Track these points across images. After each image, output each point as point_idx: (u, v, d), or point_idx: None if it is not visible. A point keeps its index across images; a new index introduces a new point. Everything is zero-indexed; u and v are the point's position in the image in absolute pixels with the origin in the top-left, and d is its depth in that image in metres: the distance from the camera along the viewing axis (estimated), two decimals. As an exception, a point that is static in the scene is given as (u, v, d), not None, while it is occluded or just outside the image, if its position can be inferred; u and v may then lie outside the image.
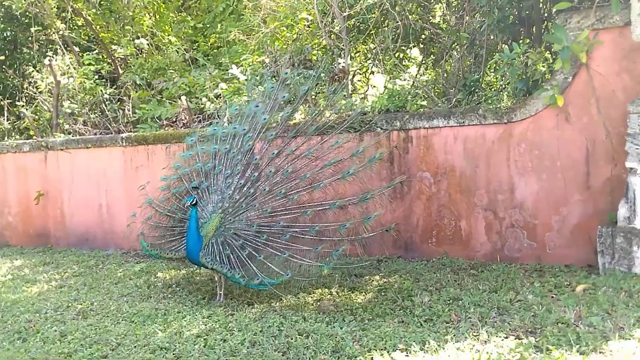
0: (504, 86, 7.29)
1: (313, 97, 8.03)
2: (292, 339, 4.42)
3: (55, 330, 5.05)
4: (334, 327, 4.60)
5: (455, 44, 8.40)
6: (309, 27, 9.60)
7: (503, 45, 7.28)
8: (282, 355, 4.15)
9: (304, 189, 5.84)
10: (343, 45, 8.47)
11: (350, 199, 5.76)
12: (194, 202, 5.50)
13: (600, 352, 3.75)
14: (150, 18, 12.37)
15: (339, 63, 8.41)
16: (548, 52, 6.85)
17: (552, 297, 5.00)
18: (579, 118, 5.96)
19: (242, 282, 5.38)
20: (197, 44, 12.40)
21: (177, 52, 11.18)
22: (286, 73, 6.56)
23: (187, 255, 5.56)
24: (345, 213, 5.77)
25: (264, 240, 5.60)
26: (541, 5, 7.13)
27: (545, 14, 7.26)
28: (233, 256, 5.54)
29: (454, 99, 7.09)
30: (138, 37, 11.51)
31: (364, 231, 5.61)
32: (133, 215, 6.42)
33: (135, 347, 4.51)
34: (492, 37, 7.56)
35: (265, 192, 5.83)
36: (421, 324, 4.56)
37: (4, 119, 11.55)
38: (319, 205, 5.74)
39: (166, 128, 9.17)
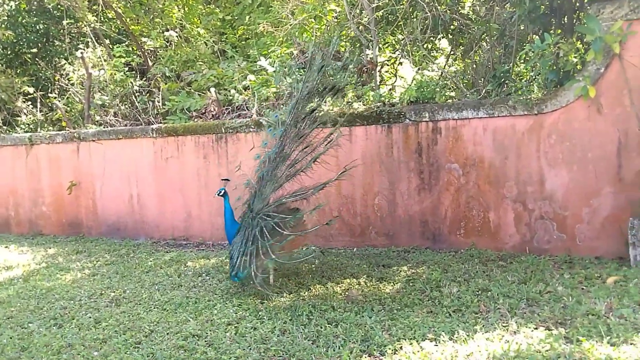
0: (534, 77, 7.21)
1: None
2: (321, 327, 4.47)
3: (90, 317, 5.19)
4: (362, 316, 4.64)
5: (485, 34, 8.34)
6: (337, 19, 9.59)
7: (534, 36, 7.21)
8: (312, 343, 4.21)
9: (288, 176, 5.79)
10: (371, 36, 8.46)
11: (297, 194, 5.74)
12: (222, 193, 5.85)
13: (631, 344, 3.74)
14: (179, 10, 12.49)
15: (367, 54, 8.41)
16: (580, 42, 6.77)
17: (583, 288, 4.98)
18: (611, 109, 5.89)
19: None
20: (225, 36, 12.48)
21: (206, 44, 11.27)
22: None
23: None
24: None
25: (258, 230, 5.52)
26: (573, -5, 7.04)
27: (577, 4, 7.15)
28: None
29: (484, 90, 7.05)
30: (167, 30, 11.63)
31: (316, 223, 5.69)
32: (238, 199, 6.16)
33: (167, 334, 4.61)
34: (522, 28, 7.47)
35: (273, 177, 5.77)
36: (450, 314, 4.58)
37: (37, 111, 11.77)
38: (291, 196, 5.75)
39: (195, 119, 9.26)
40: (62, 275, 6.88)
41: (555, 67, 6.34)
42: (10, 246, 8.94)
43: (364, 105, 7.50)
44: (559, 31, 6.86)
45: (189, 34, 11.80)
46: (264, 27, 9.87)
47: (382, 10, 8.71)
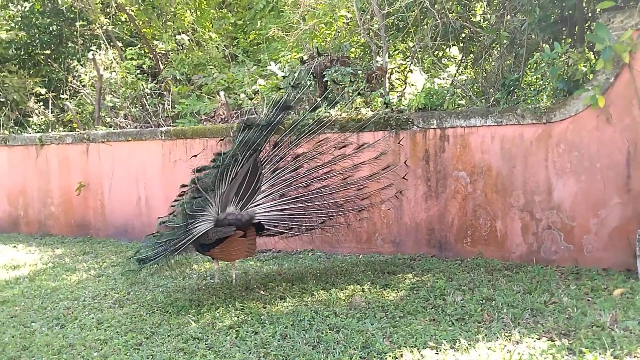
0: (543, 86, 7.18)
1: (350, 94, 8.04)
2: (322, 333, 4.44)
3: (93, 318, 5.19)
4: (364, 323, 4.61)
5: (495, 43, 8.31)
6: (348, 25, 9.61)
7: (544, 44, 7.17)
8: (312, 349, 4.18)
9: None
10: (381, 43, 8.45)
11: None
12: None
13: (635, 357, 3.68)
14: (191, 14, 12.56)
15: (377, 61, 8.40)
16: (590, 52, 6.73)
17: (588, 300, 4.92)
18: (620, 119, 5.83)
19: None
20: (236, 41, 12.54)
21: (217, 48, 11.32)
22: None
23: None
24: None
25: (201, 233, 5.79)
26: (584, 4, 7.00)
27: (589, 14, 7.13)
28: None
29: (492, 99, 7.02)
30: (179, 33, 11.71)
31: None
32: None
33: (169, 336, 4.60)
34: (533, 36, 7.44)
35: None
36: (452, 323, 4.53)
37: (48, 111, 11.85)
38: None
39: (204, 123, 9.28)
40: (68, 275, 6.91)
41: (565, 77, 6.30)
42: (18, 246, 8.99)
43: (372, 111, 7.48)
44: (570, 40, 6.81)
45: (200, 37, 11.87)
46: (274, 32, 9.91)
47: (393, 17, 8.71)
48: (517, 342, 4.06)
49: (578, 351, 3.79)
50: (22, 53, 12.98)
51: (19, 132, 11.22)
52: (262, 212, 5.88)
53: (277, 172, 5.95)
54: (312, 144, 6.09)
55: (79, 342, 4.55)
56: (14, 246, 8.96)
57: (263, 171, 5.89)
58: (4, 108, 11.71)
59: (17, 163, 10.29)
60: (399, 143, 6.96)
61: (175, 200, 5.87)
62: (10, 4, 12.99)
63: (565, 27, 7.18)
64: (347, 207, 6.21)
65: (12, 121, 11.63)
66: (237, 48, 11.92)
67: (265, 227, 5.95)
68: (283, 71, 8.85)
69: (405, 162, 6.84)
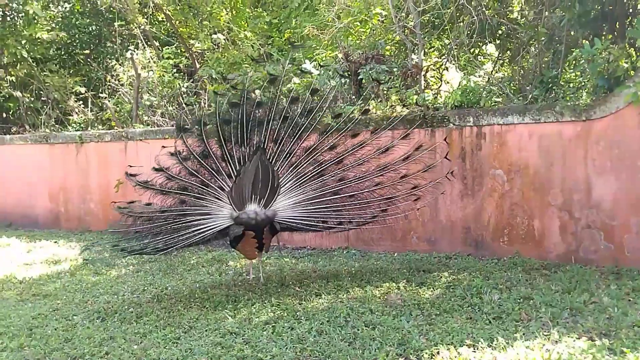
0: (583, 83, 7.06)
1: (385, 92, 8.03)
2: (358, 329, 4.45)
3: (132, 312, 5.29)
4: (400, 320, 4.60)
5: (533, 39, 8.21)
6: (383, 22, 9.57)
7: (583, 41, 7.06)
8: (349, 345, 4.19)
9: None
10: (417, 40, 8.41)
11: None
12: None
13: (678, 358, 3.61)
14: (227, 13, 12.67)
15: (413, 58, 8.36)
16: (632, 48, 6.61)
17: (630, 300, 4.83)
18: (663, 116, 5.71)
19: None
20: (271, 39, 12.60)
21: (252, 47, 11.38)
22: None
23: None
24: None
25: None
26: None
27: (630, 9, 6.99)
28: None
29: (530, 96, 6.93)
30: (215, 32, 11.82)
31: None
32: None
33: (206, 330, 4.66)
34: (572, 33, 7.33)
35: None
36: (490, 321, 4.50)
37: (88, 110, 12.09)
38: None
39: (240, 121, 9.34)
40: (107, 270, 7.06)
41: (605, 73, 6.18)
42: (59, 241, 9.19)
43: (407, 108, 7.45)
44: (610, 36, 6.69)
45: (235, 36, 11.95)
46: (309, 30, 9.92)
47: (429, 14, 8.66)
48: (556, 341, 4.01)
49: (619, 351, 3.73)
50: (63, 53, 13.30)
51: (59, 130, 11.46)
52: (289, 210, 5.80)
53: (297, 169, 5.85)
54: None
55: (120, 335, 4.64)
56: (55, 241, 9.16)
57: (275, 168, 5.77)
58: (45, 107, 11.99)
59: (58, 160, 10.52)
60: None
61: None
62: (51, 5, 13.27)
63: (605, 23, 7.06)
64: (397, 194, 6.07)
65: (53, 119, 11.92)
66: (272, 47, 11.98)
67: (293, 226, 5.89)
68: (317, 69, 8.86)
69: (445, 139, 6.77)
